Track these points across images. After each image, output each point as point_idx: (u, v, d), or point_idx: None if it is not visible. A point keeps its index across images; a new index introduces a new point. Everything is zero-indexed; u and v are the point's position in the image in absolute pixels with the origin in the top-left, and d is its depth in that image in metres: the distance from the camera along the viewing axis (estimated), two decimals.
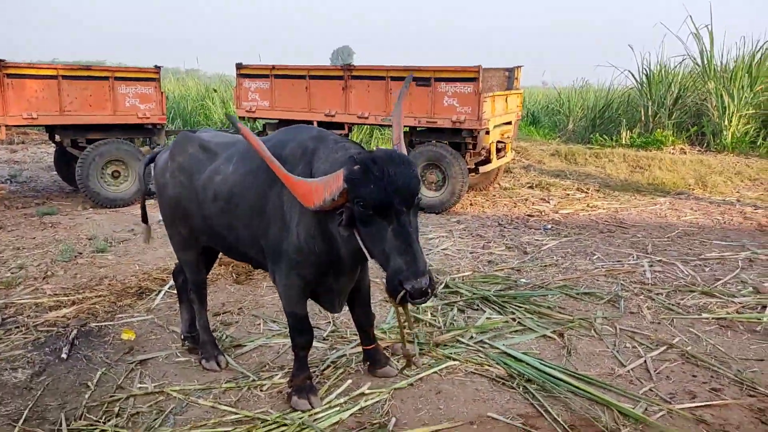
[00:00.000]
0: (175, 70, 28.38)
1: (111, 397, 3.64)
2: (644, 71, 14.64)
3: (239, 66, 10.27)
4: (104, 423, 3.35)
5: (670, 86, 14.05)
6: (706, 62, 13.58)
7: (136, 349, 4.33)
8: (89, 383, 3.79)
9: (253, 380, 3.81)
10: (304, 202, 2.87)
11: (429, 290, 2.63)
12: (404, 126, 9.41)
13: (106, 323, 4.74)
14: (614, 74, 34.48)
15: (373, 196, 2.63)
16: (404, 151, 3.03)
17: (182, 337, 4.34)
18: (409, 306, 2.88)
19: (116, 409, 3.50)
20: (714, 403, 3.50)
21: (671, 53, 37.87)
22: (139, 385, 3.80)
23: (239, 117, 10.78)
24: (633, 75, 15.03)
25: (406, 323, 3.17)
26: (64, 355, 4.14)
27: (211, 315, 4.70)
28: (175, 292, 5.24)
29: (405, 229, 2.66)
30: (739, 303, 4.99)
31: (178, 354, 4.24)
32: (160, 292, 5.37)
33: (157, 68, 9.40)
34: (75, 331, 4.50)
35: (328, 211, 2.87)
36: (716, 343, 4.30)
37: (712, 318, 4.72)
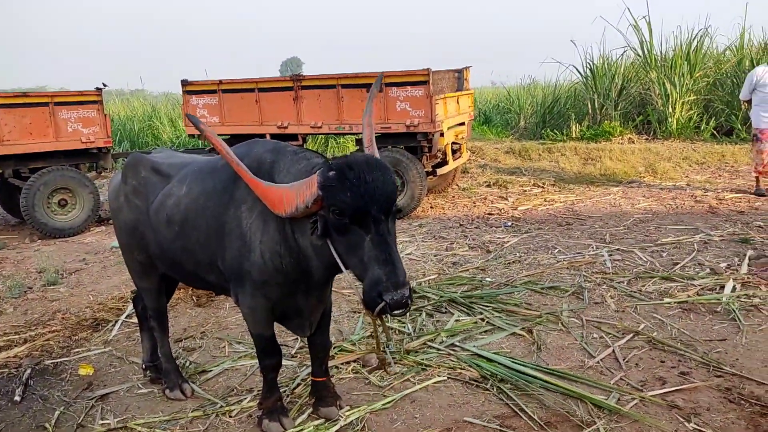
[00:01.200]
0: (119, 92, 27.62)
1: None
2: (588, 65, 15.00)
3: (185, 83, 10.04)
4: None
5: (614, 78, 14.42)
6: (646, 52, 14.01)
7: (96, 384, 4.13)
8: (47, 425, 3.59)
9: (221, 406, 3.67)
10: (274, 209, 2.73)
11: (408, 301, 2.53)
12: (358, 134, 9.38)
13: (62, 359, 4.51)
14: (560, 70, 35.44)
15: (349, 203, 2.49)
16: (377, 154, 2.94)
17: (144, 366, 4.16)
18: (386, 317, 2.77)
19: None
20: (684, 387, 3.55)
21: (613, 46, 39.13)
22: (101, 422, 3.62)
23: (189, 135, 10.56)
24: (577, 69, 15.40)
25: (382, 334, 3.07)
26: (17, 398, 3.91)
27: (172, 341, 4.52)
28: (133, 320, 5.10)
29: (383, 238, 2.54)
30: (699, 285, 5.10)
31: (140, 386, 4.06)
32: (116, 322, 5.16)
33: (99, 90, 9.09)
34: (28, 371, 4.26)
35: (298, 222, 2.76)
36: (680, 327, 4.38)
37: (674, 302, 4.81)
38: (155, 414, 3.66)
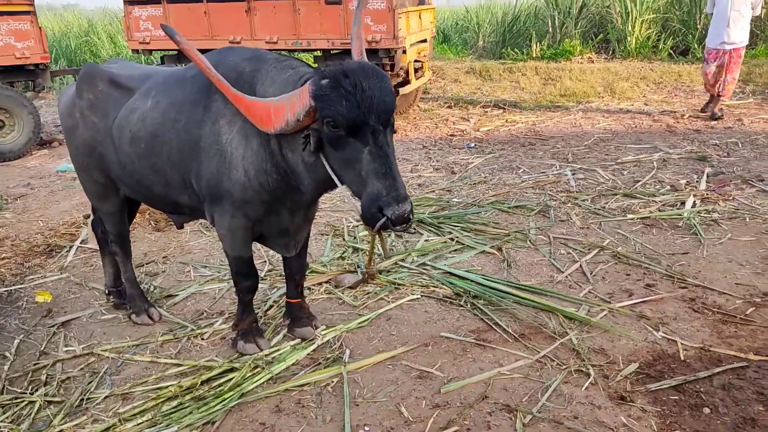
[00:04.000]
0: (50, 6, 25.57)
1: (35, 365, 3.33)
2: None
3: None
4: (31, 393, 3.06)
5: None
6: None
7: (56, 311, 3.96)
8: (6, 353, 3.44)
9: (192, 330, 3.59)
10: (261, 126, 2.51)
11: (410, 216, 2.41)
12: (316, 50, 8.96)
13: (16, 287, 4.30)
14: None
15: (346, 114, 2.30)
16: None
17: (107, 292, 4.01)
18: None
19: (43, 377, 3.20)
20: (650, 298, 3.67)
21: None
22: (66, 349, 3.49)
23: (132, 50, 9.88)
24: None
25: (378, 249, 2.92)
26: None
27: (134, 267, 4.36)
28: (89, 246, 4.87)
29: (383, 150, 2.38)
30: (660, 202, 5.22)
31: (104, 312, 3.92)
32: (71, 248, 4.92)
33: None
34: None
35: (286, 136, 2.56)
36: (643, 242, 4.49)
37: (637, 218, 4.91)
38: (122, 339, 3.55)
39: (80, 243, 4.98)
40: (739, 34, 7.99)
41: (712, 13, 8.30)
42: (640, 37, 12.89)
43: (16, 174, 7.51)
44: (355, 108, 2.31)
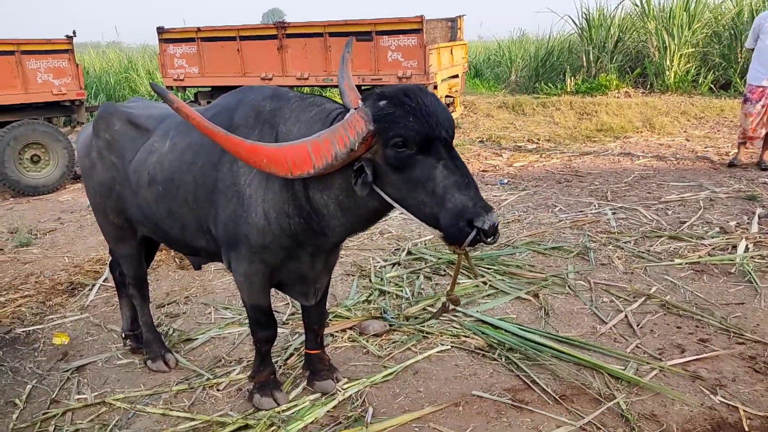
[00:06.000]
0: (95, 44, 26.52)
1: (44, 414, 3.16)
2: (584, 15, 14.49)
3: (161, 30, 9.46)
4: None
5: (610, 29, 13.96)
6: (644, 2, 13.52)
7: (72, 354, 3.82)
8: (17, 400, 3.29)
9: (208, 379, 3.39)
10: (294, 171, 2.28)
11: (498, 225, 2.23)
12: None
13: (35, 327, 4.20)
14: (554, 21, 34.68)
15: (417, 128, 2.17)
16: None
17: (123, 335, 3.86)
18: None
19: (51, 429, 3.04)
20: (705, 355, 3.33)
21: None
22: (77, 397, 3.33)
23: (167, 87, 10.01)
24: (573, 20, 14.90)
25: (465, 269, 2.64)
26: None
27: (154, 307, 4.23)
28: (111, 284, 4.76)
29: (459, 162, 2.24)
30: (709, 245, 4.87)
31: (120, 356, 3.76)
32: (94, 286, 4.82)
33: (69, 38, 8.48)
34: None
35: (314, 176, 2.35)
36: (694, 290, 4.16)
37: (685, 263, 4.58)
38: (136, 387, 3.38)
39: (103, 281, 4.88)
40: None
41: (753, 48, 7.57)
42: (679, 72, 12.58)
43: (48, 208, 7.56)
44: (425, 122, 2.17)
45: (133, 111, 3.20)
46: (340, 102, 2.69)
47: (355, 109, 2.28)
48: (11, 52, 8.03)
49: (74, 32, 8.56)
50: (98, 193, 3.32)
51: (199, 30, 9.21)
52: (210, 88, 9.76)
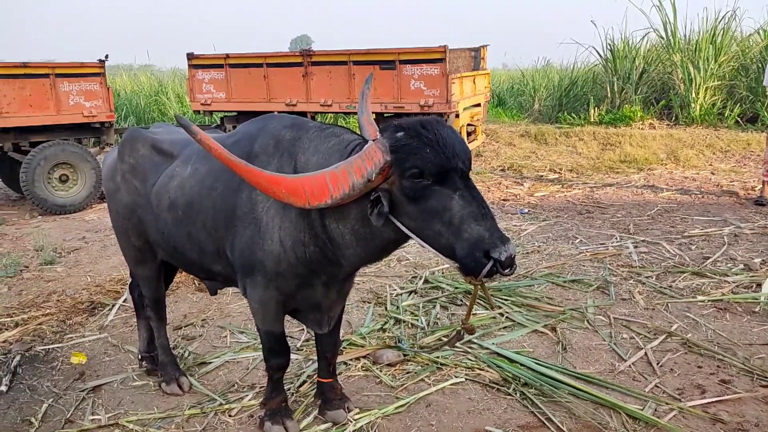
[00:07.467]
0: (127, 67, 27.23)
1: None
2: (608, 46, 14.49)
3: (190, 56, 9.70)
4: None
5: (635, 60, 13.93)
6: (670, 34, 13.49)
7: (88, 374, 3.86)
8: (32, 419, 3.33)
9: (221, 404, 3.39)
10: (312, 201, 2.29)
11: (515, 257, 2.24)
12: (372, 113, 9.01)
13: (54, 346, 4.25)
14: (578, 51, 34.76)
15: (434, 159, 2.19)
16: None
17: (139, 357, 3.89)
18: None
19: None
20: (727, 397, 3.23)
21: (634, 27, 38.16)
22: (92, 417, 3.35)
23: (194, 111, 10.24)
24: (597, 51, 14.90)
25: (482, 299, 2.63)
26: (3, 387, 3.65)
27: (171, 329, 4.27)
28: (131, 305, 4.82)
29: (475, 192, 2.26)
30: (733, 283, 4.77)
31: (135, 377, 3.79)
32: (114, 306, 4.89)
33: (101, 62, 8.75)
34: (18, 358, 4.00)
35: (342, 205, 2.36)
36: (716, 328, 4.06)
37: (708, 300, 4.48)
38: (149, 410, 3.39)
39: (123, 302, 4.95)
40: None
41: None
42: (705, 104, 12.47)
43: (74, 227, 7.71)
44: (441, 153, 2.19)
45: (157, 136, 3.28)
46: (359, 133, 2.73)
47: (373, 140, 2.31)
48: (46, 75, 8.30)
49: (106, 56, 8.83)
50: (121, 216, 3.39)
51: (227, 56, 9.43)
52: (236, 113, 9.95)
